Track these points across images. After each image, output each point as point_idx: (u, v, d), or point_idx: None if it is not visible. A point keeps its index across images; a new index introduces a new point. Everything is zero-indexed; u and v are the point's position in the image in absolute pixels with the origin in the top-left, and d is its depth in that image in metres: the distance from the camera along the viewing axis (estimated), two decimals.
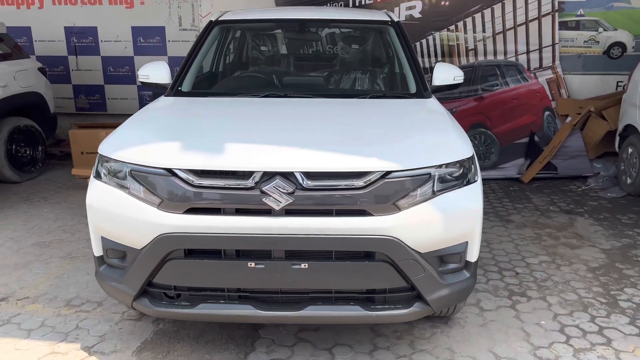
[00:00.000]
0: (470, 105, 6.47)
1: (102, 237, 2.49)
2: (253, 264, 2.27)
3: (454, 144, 2.49)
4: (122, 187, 2.38)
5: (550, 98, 6.37)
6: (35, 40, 7.50)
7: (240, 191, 2.25)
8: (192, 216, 2.26)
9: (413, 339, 2.84)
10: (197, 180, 2.26)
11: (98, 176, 2.50)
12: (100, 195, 2.46)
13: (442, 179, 2.35)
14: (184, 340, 2.83)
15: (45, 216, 4.80)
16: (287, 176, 2.24)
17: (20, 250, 4.03)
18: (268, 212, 2.25)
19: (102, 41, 7.40)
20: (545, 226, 4.54)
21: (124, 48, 7.36)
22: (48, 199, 5.32)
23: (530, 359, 2.68)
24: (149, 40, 7.32)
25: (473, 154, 2.49)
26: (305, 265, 2.27)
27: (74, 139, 6.05)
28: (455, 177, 2.39)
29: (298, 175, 2.24)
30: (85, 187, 5.25)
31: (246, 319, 2.43)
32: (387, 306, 2.38)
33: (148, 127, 2.71)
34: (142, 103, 7.49)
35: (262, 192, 2.22)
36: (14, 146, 5.79)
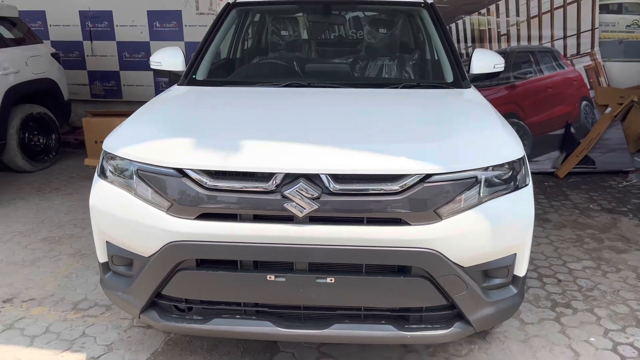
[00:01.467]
0: (502, 94, 6.12)
1: (107, 241, 2.26)
2: (272, 277, 2.02)
3: (502, 143, 2.19)
4: (129, 187, 2.14)
5: (588, 87, 5.98)
6: (50, 25, 7.33)
7: (259, 195, 1.98)
8: (205, 222, 2.01)
9: (448, 356, 2.57)
10: (210, 182, 2.00)
11: (103, 174, 2.27)
12: (105, 197, 2.22)
13: (489, 183, 2.05)
14: (196, 352, 2.60)
15: (56, 208, 4.62)
16: (312, 179, 1.97)
17: (29, 246, 3.85)
18: (290, 219, 1.98)
19: (117, 26, 7.19)
20: (586, 226, 4.21)
21: (140, 33, 7.15)
22: (60, 190, 5.14)
23: None
24: (165, 24, 7.09)
25: (524, 155, 2.18)
26: (331, 280, 2.00)
27: (87, 128, 5.86)
28: (504, 180, 2.09)
29: (324, 178, 1.97)
30: None
31: (264, 336, 2.18)
32: (423, 326, 2.11)
33: (158, 120, 2.45)
34: (158, 90, 7.28)
35: (284, 196, 1.96)
36: (26, 134, 5.63)
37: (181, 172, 2.03)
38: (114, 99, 7.46)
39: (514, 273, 2.18)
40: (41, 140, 5.85)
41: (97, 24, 7.22)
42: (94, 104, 7.48)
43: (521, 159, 2.15)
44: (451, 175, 1.99)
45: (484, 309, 2.11)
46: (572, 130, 5.84)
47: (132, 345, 2.67)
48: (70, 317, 2.92)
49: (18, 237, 4.00)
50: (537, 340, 2.71)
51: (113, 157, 2.21)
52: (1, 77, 5.22)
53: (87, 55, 7.36)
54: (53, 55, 6.06)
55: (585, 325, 2.85)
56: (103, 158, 2.27)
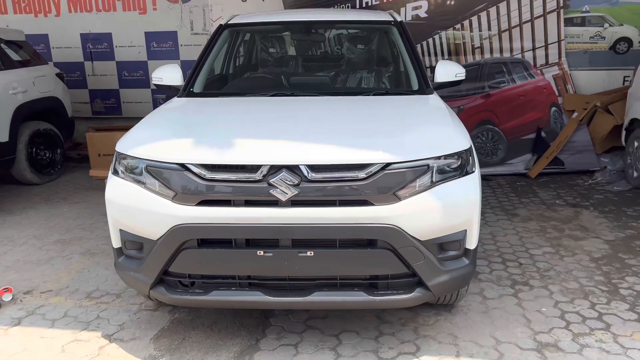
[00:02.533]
0: (478, 102, 6.55)
1: (120, 229, 2.65)
2: (262, 253, 2.41)
3: (451, 137, 2.61)
4: (139, 182, 2.54)
5: (557, 94, 6.43)
6: (53, 47, 7.76)
7: (249, 184, 2.39)
8: (205, 208, 2.41)
9: (417, 326, 2.95)
10: (208, 174, 2.41)
11: (116, 173, 2.66)
12: (118, 191, 2.61)
13: (440, 170, 2.46)
14: (198, 328, 2.98)
15: (65, 215, 5.00)
16: (293, 169, 2.38)
17: (42, 247, 4.22)
18: (275, 203, 2.38)
19: (116, 47, 7.63)
20: (550, 219, 4.62)
21: (138, 53, 7.59)
22: (67, 199, 5.52)
23: (530, 343, 2.78)
24: (161, 44, 7.53)
25: (471, 146, 2.60)
26: (311, 253, 2.40)
27: (91, 142, 6.25)
28: (453, 168, 2.50)
29: (303, 168, 2.38)
30: (102, 187, 5.46)
31: (256, 304, 2.57)
32: (389, 292, 2.50)
33: (162, 125, 2.88)
34: (156, 106, 7.66)
35: (270, 184, 2.36)
36: (34, 149, 6.01)
37: (183, 166, 2.44)
38: (114, 115, 7.87)
39: (465, 246, 2.58)
40: (47, 155, 6.24)
41: (98, 46, 7.67)
42: (95, 120, 7.88)
43: (468, 150, 2.57)
44: (408, 163, 2.41)
45: (440, 276, 2.50)
46: (543, 134, 6.28)
47: (141, 324, 3.05)
48: (85, 304, 3.30)
49: (32, 240, 4.37)
50: (496, 311, 3.10)
51: (125, 157, 2.61)
52: (11, 96, 5.64)
53: (88, 75, 7.79)
54: (58, 75, 6.49)
55: (539, 298, 3.24)
56: (116, 159, 2.68)
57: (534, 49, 6.52)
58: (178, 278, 2.57)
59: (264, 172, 2.38)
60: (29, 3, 7.66)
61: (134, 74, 7.68)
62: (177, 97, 3.46)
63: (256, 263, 2.45)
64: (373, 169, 2.37)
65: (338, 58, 4.68)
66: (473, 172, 2.58)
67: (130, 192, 2.56)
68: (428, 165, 2.43)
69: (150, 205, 2.48)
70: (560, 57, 6.48)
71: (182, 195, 2.42)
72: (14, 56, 6.05)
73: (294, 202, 2.38)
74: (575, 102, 6.28)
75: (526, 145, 6.31)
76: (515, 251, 3.95)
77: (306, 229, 2.38)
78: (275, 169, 2.38)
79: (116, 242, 2.70)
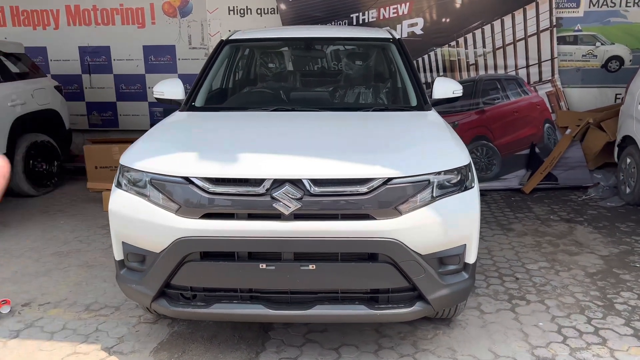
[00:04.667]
0: (472, 118, 6.64)
1: (123, 242, 2.67)
2: (264, 266, 2.44)
3: (451, 153, 2.66)
4: (142, 195, 2.56)
5: (550, 110, 6.53)
6: (51, 60, 7.80)
7: (252, 197, 2.42)
8: (208, 221, 2.44)
9: (416, 340, 2.97)
10: (212, 188, 2.44)
11: (119, 185, 2.69)
12: (122, 203, 2.64)
13: (440, 185, 2.51)
14: (198, 341, 2.98)
15: (62, 228, 4.99)
16: (296, 183, 2.41)
17: (40, 260, 4.21)
18: (278, 216, 2.42)
19: (114, 60, 7.68)
20: (545, 234, 4.68)
21: (136, 66, 7.64)
22: (64, 211, 5.52)
23: (528, 357, 2.81)
24: (159, 58, 7.59)
25: (470, 162, 2.65)
26: (313, 267, 2.43)
27: (88, 154, 6.26)
28: (453, 183, 2.55)
29: (306, 182, 2.41)
30: (99, 200, 5.45)
31: (258, 317, 2.59)
32: (390, 305, 2.53)
33: (165, 139, 2.91)
34: (153, 119, 7.74)
35: (273, 198, 2.40)
36: (31, 161, 6.01)
37: (187, 179, 2.47)
38: (111, 128, 7.89)
39: (465, 260, 2.62)
40: (45, 167, 6.24)
41: (96, 59, 7.71)
42: (92, 133, 7.88)
43: (467, 166, 2.62)
44: (409, 178, 2.45)
45: (440, 290, 2.53)
46: (537, 150, 6.37)
47: (140, 337, 3.05)
48: (83, 317, 3.29)
49: (29, 252, 4.36)
50: (494, 325, 3.13)
51: (129, 170, 2.64)
52: (9, 108, 5.65)
53: (86, 88, 7.82)
54: (56, 87, 6.51)
55: (536, 313, 3.28)
56: (120, 171, 2.70)
57: (527, 66, 6.64)
58: (180, 291, 2.58)
59: (267, 186, 2.41)
60: (27, 16, 7.70)
61: (132, 87, 7.72)
62: (179, 111, 3.50)
63: (258, 276, 2.47)
64: (375, 184, 2.42)
65: (336, 74, 4.76)
66: (472, 187, 2.63)
67: (133, 205, 2.58)
68: (429, 180, 2.48)
69: (153, 217, 2.51)
70: (553, 74, 6.60)
71: (185, 209, 2.45)
72: (13, 68, 6.08)
73: (296, 216, 2.41)
74: (568, 119, 6.38)
75: (520, 160, 6.39)
76: (511, 266, 3.99)
77: (308, 243, 2.41)
78: (278, 183, 2.42)
79: (118, 255, 2.71)
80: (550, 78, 6.60)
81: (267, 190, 2.41)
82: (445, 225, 2.49)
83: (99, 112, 7.90)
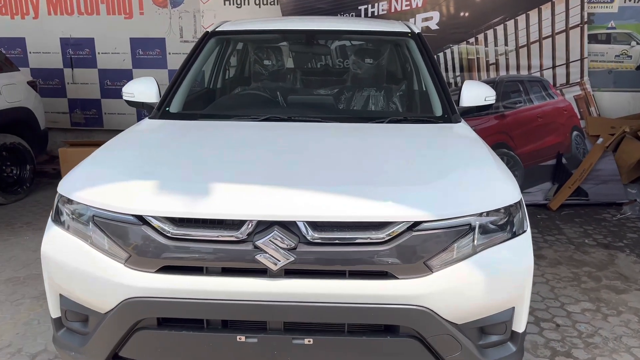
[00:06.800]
0: (491, 123, 5.99)
1: (60, 294, 2.03)
2: (243, 338, 1.80)
3: (497, 185, 2.01)
4: (84, 235, 1.92)
5: (579, 117, 5.87)
6: (30, 52, 7.17)
7: (228, 245, 1.78)
8: (167, 276, 1.80)
9: None
10: (174, 231, 1.80)
11: (57, 220, 2.06)
12: (59, 245, 2.01)
13: (484, 230, 1.86)
14: None
15: (25, 245, 4.36)
16: (288, 226, 1.77)
17: None
18: (263, 272, 1.78)
19: (99, 53, 7.05)
20: (582, 264, 4.02)
21: (122, 60, 7.00)
22: (32, 224, 4.88)
23: None
24: (148, 52, 6.96)
25: (521, 198, 2.00)
26: (309, 341, 1.79)
27: (64, 158, 5.64)
28: (500, 226, 1.90)
29: (301, 226, 1.77)
30: None
31: None
32: None
33: (119, 160, 2.24)
34: (141, 118, 7.10)
35: (256, 247, 1.75)
36: None
37: (141, 219, 1.82)
38: (94, 127, 7.27)
39: (512, 329, 1.97)
40: (14, 172, 5.60)
41: (79, 52, 7.08)
42: (74, 132, 7.28)
43: (518, 203, 1.97)
44: (442, 222, 1.80)
45: None
46: (564, 160, 5.71)
47: None
48: None
49: None
50: None
51: (69, 200, 2.00)
52: None
53: (68, 83, 7.19)
54: (29, 83, 5.86)
55: None
56: (58, 201, 2.06)
57: (554, 66, 5.97)
58: None
59: (249, 230, 1.77)
60: (5, 4, 7.05)
61: (117, 84, 7.05)
62: (149, 118, 2.84)
63: (235, 351, 1.83)
64: (397, 229, 1.76)
65: (343, 74, 4.08)
66: (524, 231, 1.97)
67: (72, 248, 1.95)
68: (470, 224, 1.82)
69: (96, 268, 1.87)
70: (582, 76, 5.93)
71: (137, 258, 1.80)
72: None
73: (288, 272, 1.77)
74: (600, 127, 5.72)
75: (545, 172, 5.72)
76: (548, 307, 3.34)
77: (304, 309, 1.77)
78: (264, 226, 1.77)
79: (54, 311, 2.08)
80: (579, 80, 5.93)
81: (249, 235, 1.77)
82: (491, 284, 1.85)
83: (82, 109, 7.26)
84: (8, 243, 4.40)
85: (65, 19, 6.97)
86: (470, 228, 1.83)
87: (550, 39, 5.92)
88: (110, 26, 6.89)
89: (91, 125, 7.28)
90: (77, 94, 7.21)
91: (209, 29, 3.43)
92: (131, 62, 7.00)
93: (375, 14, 6.02)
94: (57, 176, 6.32)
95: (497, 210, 1.90)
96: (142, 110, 6.80)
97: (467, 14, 5.96)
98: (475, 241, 1.83)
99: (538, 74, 6.00)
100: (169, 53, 6.90)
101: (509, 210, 1.93)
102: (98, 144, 5.74)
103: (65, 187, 2.05)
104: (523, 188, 5.61)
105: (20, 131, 5.69)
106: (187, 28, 6.82)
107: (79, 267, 1.91)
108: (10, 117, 5.50)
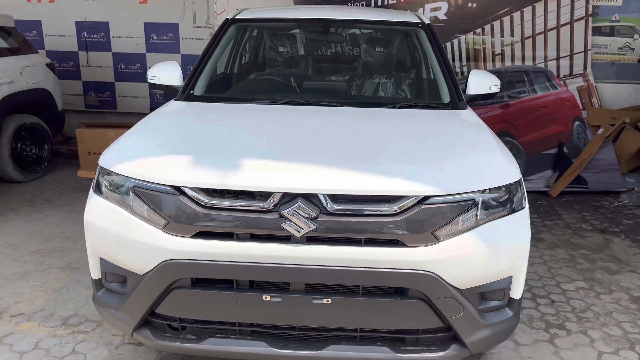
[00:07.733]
0: (495, 112, 6.15)
1: (100, 258, 2.23)
2: (268, 297, 2.00)
3: (499, 166, 2.20)
4: (124, 204, 2.12)
5: (581, 107, 6.04)
6: (46, 35, 7.32)
7: (256, 214, 1.98)
8: (201, 241, 2.00)
9: None
10: (207, 200, 1.99)
11: (98, 190, 2.24)
12: (100, 212, 2.20)
13: (486, 206, 2.06)
14: None
15: (47, 220, 4.57)
16: (310, 198, 1.97)
17: (18, 259, 3.79)
18: (288, 238, 1.98)
19: (113, 37, 7.20)
20: (578, 247, 4.22)
21: (136, 44, 7.15)
22: (52, 201, 5.09)
23: None
24: (161, 37, 7.10)
25: (520, 178, 2.19)
26: (327, 301, 1.99)
27: (81, 139, 5.81)
28: (500, 203, 2.10)
29: (322, 198, 1.96)
30: None
31: (259, 357, 2.14)
32: (419, 348, 2.09)
33: (155, 136, 2.44)
34: (153, 101, 7.28)
35: (282, 216, 1.95)
36: (19, 145, 5.57)
37: (178, 189, 2.02)
38: (108, 109, 7.44)
39: (510, 295, 2.18)
40: (34, 151, 5.80)
41: (93, 35, 7.23)
42: (88, 114, 7.46)
43: (518, 182, 2.16)
44: (449, 197, 2.00)
45: (480, 331, 2.10)
46: (565, 149, 5.88)
47: None
48: (60, 333, 2.88)
49: (7, 250, 3.94)
50: None
51: (109, 172, 2.19)
52: None
53: (82, 66, 7.35)
54: (48, 65, 6.03)
55: (579, 347, 2.84)
56: (99, 173, 2.26)
57: (558, 58, 6.12)
58: (167, 321, 2.15)
59: (275, 201, 1.97)
60: None
61: (131, 67, 7.24)
62: (175, 100, 3.03)
63: (261, 309, 2.04)
64: (408, 203, 1.96)
65: (353, 60, 4.25)
66: (523, 208, 2.17)
67: (113, 216, 2.14)
68: (474, 199, 2.02)
69: (136, 233, 2.07)
70: (585, 68, 6.08)
71: (175, 225, 2.01)
72: (1, 43, 5.60)
73: (309, 239, 1.97)
74: (601, 117, 5.88)
75: (547, 160, 5.90)
76: (545, 285, 3.55)
77: (323, 272, 1.97)
78: (288, 198, 1.97)
79: (95, 273, 2.28)
80: (582, 72, 6.09)
81: (275, 206, 1.97)
82: (491, 254, 2.05)
83: (96, 92, 7.43)
84: (31, 218, 4.62)
85: (80, 3, 7.11)
86: (474, 203, 2.02)
87: (555, 30, 6.06)
88: (124, 11, 7.03)
89: (105, 107, 7.45)
90: (91, 77, 7.37)
91: (229, 17, 3.60)
92: (145, 47, 7.15)
93: (385, 3, 6.17)
94: (72, 156, 6.52)
95: (499, 188, 2.09)
96: (157, 93, 7.03)
97: (474, 5, 6.11)
98: (478, 215, 2.03)
99: (542, 65, 6.15)
100: (182, 38, 7.04)
101: (509, 189, 2.12)
102: (113, 126, 5.99)
103: (107, 160, 2.24)
104: (525, 175, 5.74)
105: (39, 112, 5.88)
106: (200, 14, 6.96)
107: (120, 233, 2.11)
108: (30, 98, 5.68)
